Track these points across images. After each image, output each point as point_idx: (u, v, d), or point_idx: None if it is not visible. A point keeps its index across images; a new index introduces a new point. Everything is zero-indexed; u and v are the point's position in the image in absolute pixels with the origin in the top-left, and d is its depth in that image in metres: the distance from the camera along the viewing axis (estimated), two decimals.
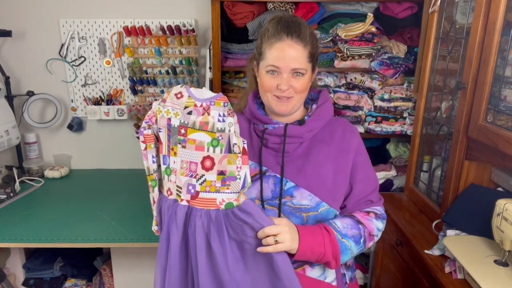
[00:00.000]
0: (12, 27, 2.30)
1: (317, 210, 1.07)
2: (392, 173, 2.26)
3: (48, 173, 2.40)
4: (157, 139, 1.06)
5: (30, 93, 2.38)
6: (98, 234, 1.71)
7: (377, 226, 1.11)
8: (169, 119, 1.02)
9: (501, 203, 1.19)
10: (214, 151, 1.00)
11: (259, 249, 0.98)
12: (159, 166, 1.10)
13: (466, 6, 1.50)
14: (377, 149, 2.40)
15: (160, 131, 1.04)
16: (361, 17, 2.10)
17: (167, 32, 2.25)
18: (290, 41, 1.02)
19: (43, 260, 2.27)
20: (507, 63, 1.25)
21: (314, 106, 1.15)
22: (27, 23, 2.34)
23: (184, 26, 2.21)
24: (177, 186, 1.04)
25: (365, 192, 1.13)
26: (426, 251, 1.44)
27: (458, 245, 1.33)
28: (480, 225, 1.36)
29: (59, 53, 2.37)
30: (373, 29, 2.07)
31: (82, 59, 2.38)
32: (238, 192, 1.01)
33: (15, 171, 2.27)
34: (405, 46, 2.12)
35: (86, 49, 2.37)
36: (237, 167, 1.00)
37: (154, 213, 1.13)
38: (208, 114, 0.99)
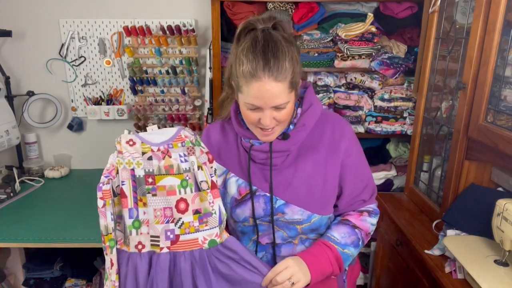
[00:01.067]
0: (12, 27, 2.30)
1: (310, 221, 1.08)
2: (392, 173, 2.26)
3: (48, 173, 2.40)
4: (114, 194, 1.00)
5: (30, 93, 2.38)
6: (98, 234, 1.69)
7: (371, 222, 1.13)
8: (132, 170, 0.99)
9: (501, 203, 1.19)
10: (185, 192, 1.00)
11: None
12: (116, 224, 1.03)
13: (466, 6, 1.50)
14: (377, 149, 2.40)
15: (123, 184, 0.99)
16: (361, 17, 2.10)
17: (167, 32, 2.25)
18: (268, 80, 0.91)
19: (43, 260, 2.27)
20: (507, 63, 1.25)
21: (299, 110, 1.08)
22: (27, 23, 2.34)
23: (184, 26, 2.21)
24: (152, 236, 1.01)
25: (356, 192, 1.11)
26: (426, 251, 1.44)
27: (458, 245, 1.33)
28: (480, 225, 1.36)
29: (59, 53, 2.37)
30: (373, 29, 2.07)
31: (82, 59, 2.38)
32: (217, 227, 1.01)
33: (15, 171, 2.27)
34: (405, 46, 2.12)
35: (86, 49, 2.37)
36: (210, 203, 1.00)
37: (112, 277, 1.02)
38: (170, 157, 0.99)
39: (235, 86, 1.01)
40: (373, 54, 2.11)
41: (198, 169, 0.99)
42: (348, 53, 2.09)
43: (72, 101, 2.47)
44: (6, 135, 2.23)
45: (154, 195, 0.99)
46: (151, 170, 0.99)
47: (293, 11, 2.10)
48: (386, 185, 2.28)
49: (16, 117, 2.36)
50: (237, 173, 1.11)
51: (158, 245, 1.01)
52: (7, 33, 2.27)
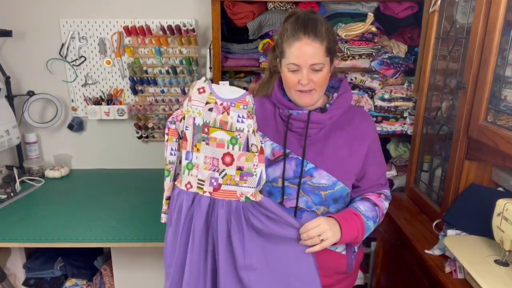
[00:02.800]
0: (12, 27, 2.30)
1: (334, 188, 1.20)
2: (393, 173, 2.26)
3: (49, 173, 2.40)
4: (180, 136, 1.16)
5: (31, 93, 2.38)
6: (98, 234, 1.72)
7: (386, 206, 1.27)
8: (194, 118, 1.12)
9: (501, 203, 1.19)
10: (233, 149, 1.11)
11: (308, 250, 1.11)
12: (179, 161, 1.19)
13: (467, 5, 1.50)
14: None
15: (186, 129, 1.13)
16: (362, 17, 2.10)
17: (167, 32, 2.25)
18: (307, 40, 1.10)
19: (43, 260, 2.27)
20: (507, 63, 1.25)
21: (335, 94, 1.24)
22: (27, 23, 2.34)
23: (184, 26, 2.21)
24: (199, 179, 1.14)
25: (377, 175, 1.27)
26: (426, 251, 1.44)
27: (458, 245, 1.33)
28: (481, 225, 1.36)
29: (60, 53, 2.37)
30: (374, 29, 2.07)
31: (83, 59, 2.38)
32: (254, 188, 1.13)
33: (15, 171, 2.28)
34: (405, 46, 2.12)
35: (87, 49, 2.37)
36: (254, 165, 1.12)
37: (163, 201, 1.23)
38: (228, 114, 1.10)
39: (279, 55, 1.18)
40: (373, 54, 2.11)
41: (252, 133, 1.10)
42: (348, 53, 2.09)
43: (72, 101, 2.47)
44: (7, 135, 2.23)
45: (207, 144, 1.12)
46: (208, 121, 1.11)
47: None
48: None
49: (17, 117, 2.36)
50: (273, 139, 1.24)
51: (202, 189, 1.14)
52: (7, 33, 2.27)
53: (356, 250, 1.30)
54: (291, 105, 1.22)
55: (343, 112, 1.23)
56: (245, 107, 1.10)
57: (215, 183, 1.13)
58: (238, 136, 1.10)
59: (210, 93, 1.11)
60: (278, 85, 1.27)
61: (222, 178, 1.13)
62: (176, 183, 1.20)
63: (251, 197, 1.12)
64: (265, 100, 1.30)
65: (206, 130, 1.11)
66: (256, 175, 1.12)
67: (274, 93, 1.26)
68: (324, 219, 1.12)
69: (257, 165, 1.12)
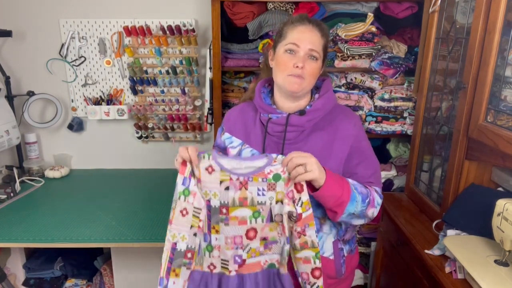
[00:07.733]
0: (12, 27, 2.30)
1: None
2: (393, 173, 2.26)
3: (49, 173, 2.40)
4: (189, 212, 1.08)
5: (31, 93, 2.38)
6: (98, 234, 1.72)
7: (377, 200, 1.19)
8: (209, 200, 1.07)
9: (501, 203, 1.19)
10: (256, 222, 1.07)
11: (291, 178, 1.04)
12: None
13: (466, 6, 1.50)
14: (377, 149, 2.40)
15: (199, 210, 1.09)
16: (361, 17, 2.10)
17: (167, 32, 2.25)
18: (311, 27, 1.15)
19: (43, 260, 2.27)
20: (507, 63, 1.25)
21: (317, 95, 1.23)
22: (27, 23, 2.34)
23: (184, 26, 2.21)
24: (222, 259, 1.11)
25: (366, 175, 1.20)
26: (426, 251, 1.44)
27: (458, 245, 1.33)
28: (481, 225, 1.36)
29: (59, 53, 2.37)
30: (373, 29, 2.07)
31: (82, 59, 2.38)
32: (279, 254, 1.10)
33: (15, 171, 2.28)
34: (405, 46, 2.12)
35: (86, 49, 2.37)
36: (278, 234, 1.09)
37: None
38: (246, 189, 1.05)
39: (278, 39, 1.19)
40: (373, 54, 2.11)
41: (276, 203, 1.06)
42: (348, 53, 2.09)
43: (72, 101, 2.47)
44: (6, 135, 2.23)
45: (227, 224, 1.07)
46: (226, 202, 1.06)
47: (293, 11, 2.11)
48: (386, 185, 2.28)
49: (16, 117, 2.36)
50: (252, 145, 1.23)
51: (227, 268, 1.11)
52: (7, 33, 2.27)
53: (346, 254, 1.28)
54: (271, 109, 1.22)
55: (325, 113, 1.20)
56: (264, 180, 1.04)
57: (239, 260, 1.10)
58: (261, 210, 1.06)
59: (221, 169, 1.05)
60: (259, 89, 1.26)
61: (247, 253, 1.09)
62: (195, 267, 1.12)
63: (276, 263, 1.10)
64: (247, 105, 1.31)
65: (224, 211, 1.06)
66: (280, 242, 1.09)
67: (255, 97, 1.26)
68: (315, 158, 1.04)
69: (281, 234, 1.08)
